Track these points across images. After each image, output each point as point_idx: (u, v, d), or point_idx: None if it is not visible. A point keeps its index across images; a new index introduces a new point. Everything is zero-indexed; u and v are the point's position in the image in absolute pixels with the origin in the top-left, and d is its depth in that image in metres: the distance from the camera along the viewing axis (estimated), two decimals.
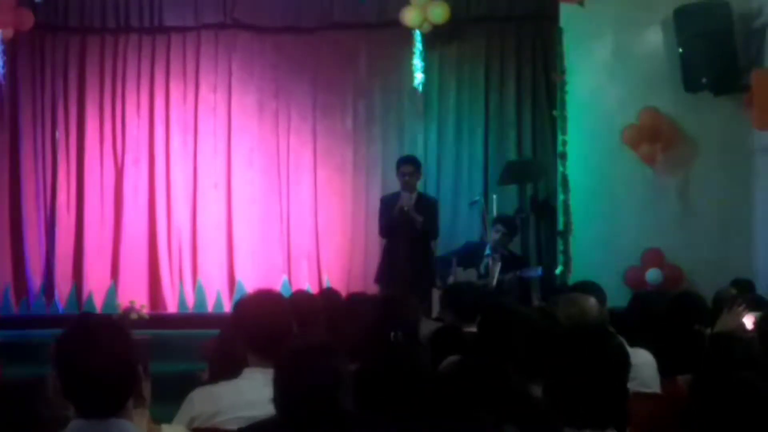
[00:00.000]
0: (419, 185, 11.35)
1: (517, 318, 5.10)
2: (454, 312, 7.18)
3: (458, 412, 2.80)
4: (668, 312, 6.69)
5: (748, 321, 6.49)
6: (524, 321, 5.07)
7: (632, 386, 4.08)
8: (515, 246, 12.24)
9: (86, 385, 3.42)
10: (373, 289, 11.24)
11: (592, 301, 5.98)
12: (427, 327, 6.63)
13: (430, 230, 11.16)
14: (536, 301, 11.40)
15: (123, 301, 12.84)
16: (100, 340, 3.44)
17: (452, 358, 4.82)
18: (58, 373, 3.48)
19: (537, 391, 4.27)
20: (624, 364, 3.59)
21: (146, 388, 3.85)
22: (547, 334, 4.82)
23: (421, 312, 6.94)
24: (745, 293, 7.89)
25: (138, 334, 3.79)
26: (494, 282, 11.05)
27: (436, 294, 10.57)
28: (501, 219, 11.77)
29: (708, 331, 6.52)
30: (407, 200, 10.91)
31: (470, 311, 6.76)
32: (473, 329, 5.82)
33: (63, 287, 13.36)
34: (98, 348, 3.41)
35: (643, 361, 5.68)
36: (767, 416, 3.27)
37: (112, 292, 13.23)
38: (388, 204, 11.22)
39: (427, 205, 11.16)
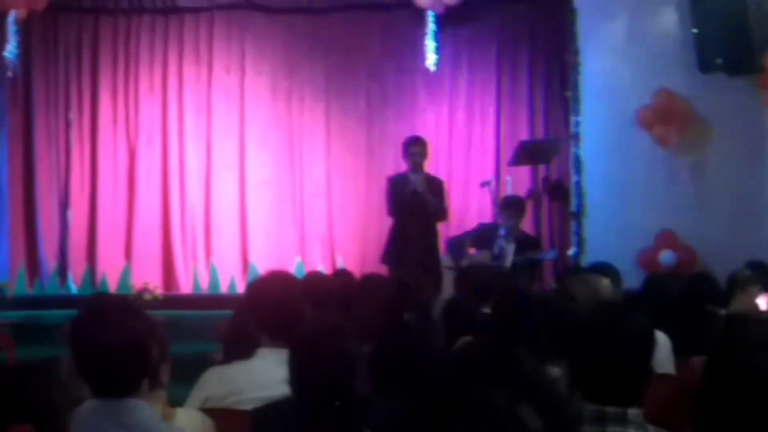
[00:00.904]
0: (431, 165, 11.35)
1: (532, 299, 5.10)
2: (469, 293, 7.16)
3: (472, 393, 2.79)
4: (682, 293, 6.69)
5: (762, 302, 6.50)
6: (539, 302, 5.07)
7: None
8: (528, 227, 12.21)
9: (100, 365, 3.43)
10: (383, 269, 11.26)
11: (605, 281, 5.98)
12: (439, 308, 6.63)
13: (439, 211, 11.18)
14: (550, 283, 11.39)
15: (137, 282, 12.89)
16: (114, 319, 3.45)
17: (466, 339, 4.82)
18: (73, 352, 3.48)
19: (554, 372, 4.27)
20: (649, 341, 3.59)
21: (164, 372, 3.86)
22: (564, 314, 4.83)
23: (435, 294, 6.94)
24: (760, 274, 7.89)
25: (152, 315, 3.77)
26: (508, 263, 11.03)
27: (447, 275, 10.57)
28: (508, 203, 11.63)
29: (722, 312, 6.52)
30: (420, 181, 10.92)
31: (485, 292, 6.74)
32: (488, 310, 5.82)
33: (77, 268, 13.35)
34: (112, 327, 3.42)
35: (657, 341, 5.66)
36: None
37: (126, 273, 13.22)
38: (396, 184, 11.24)
39: (435, 186, 11.18)
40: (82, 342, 3.46)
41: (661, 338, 5.83)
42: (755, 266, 9.04)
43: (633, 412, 3.40)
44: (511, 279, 9.94)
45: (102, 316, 3.48)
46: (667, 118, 11.72)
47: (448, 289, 9.89)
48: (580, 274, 6.94)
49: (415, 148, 11.12)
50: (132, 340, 3.43)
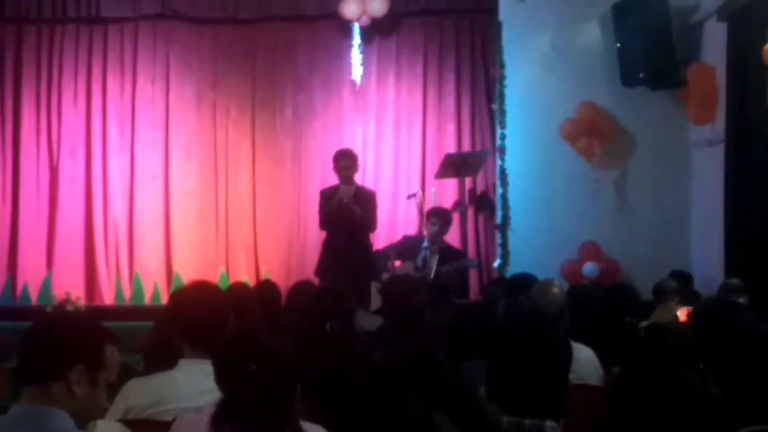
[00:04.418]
0: (357, 178, 11.33)
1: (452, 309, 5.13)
2: (391, 303, 7.16)
3: (389, 400, 2.80)
4: (602, 305, 6.74)
5: (681, 314, 6.58)
6: (460, 311, 5.10)
7: (572, 379, 4.11)
8: (454, 238, 12.24)
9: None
10: (312, 281, 11.23)
11: (555, 288, 6.03)
12: (364, 319, 6.62)
13: (368, 222, 11.15)
14: (474, 293, 11.44)
15: (59, 292, 12.72)
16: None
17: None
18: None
19: None
20: (565, 356, 3.62)
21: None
22: (486, 324, 4.86)
23: (358, 304, 6.92)
24: (684, 285, 8.00)
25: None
26: (431, 275, 11.05)
27: (375, 287, 10.57)
28: (435, 212, 11.69)
29: (643, 323, 6.58)
30: (346, 193, 10.90)
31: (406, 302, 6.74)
32: None
33: None
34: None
35: (583, 356, 5.68)
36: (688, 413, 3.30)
37: (48, 283, 13.08)
38: (327, 197, 11.20)
39: (365, 198, 11.14)
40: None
41: (587, 352, 5.87)
42: (679, 276, 9.18)
43: (550, 424, 3.43)
44: (432, 289, 9.99)
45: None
46: (590, 131, 11.84)
47: (374, 300, 9.94)
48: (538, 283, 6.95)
49: (342, 161, 11.05)
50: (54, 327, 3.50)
